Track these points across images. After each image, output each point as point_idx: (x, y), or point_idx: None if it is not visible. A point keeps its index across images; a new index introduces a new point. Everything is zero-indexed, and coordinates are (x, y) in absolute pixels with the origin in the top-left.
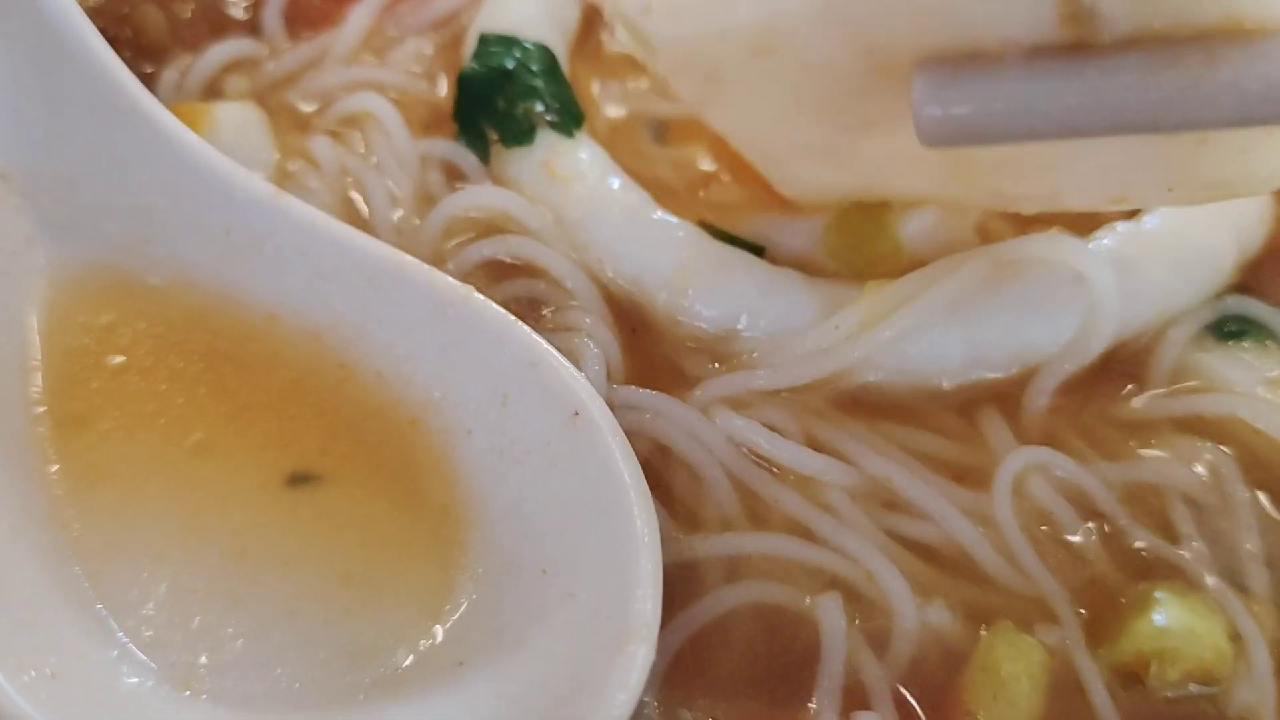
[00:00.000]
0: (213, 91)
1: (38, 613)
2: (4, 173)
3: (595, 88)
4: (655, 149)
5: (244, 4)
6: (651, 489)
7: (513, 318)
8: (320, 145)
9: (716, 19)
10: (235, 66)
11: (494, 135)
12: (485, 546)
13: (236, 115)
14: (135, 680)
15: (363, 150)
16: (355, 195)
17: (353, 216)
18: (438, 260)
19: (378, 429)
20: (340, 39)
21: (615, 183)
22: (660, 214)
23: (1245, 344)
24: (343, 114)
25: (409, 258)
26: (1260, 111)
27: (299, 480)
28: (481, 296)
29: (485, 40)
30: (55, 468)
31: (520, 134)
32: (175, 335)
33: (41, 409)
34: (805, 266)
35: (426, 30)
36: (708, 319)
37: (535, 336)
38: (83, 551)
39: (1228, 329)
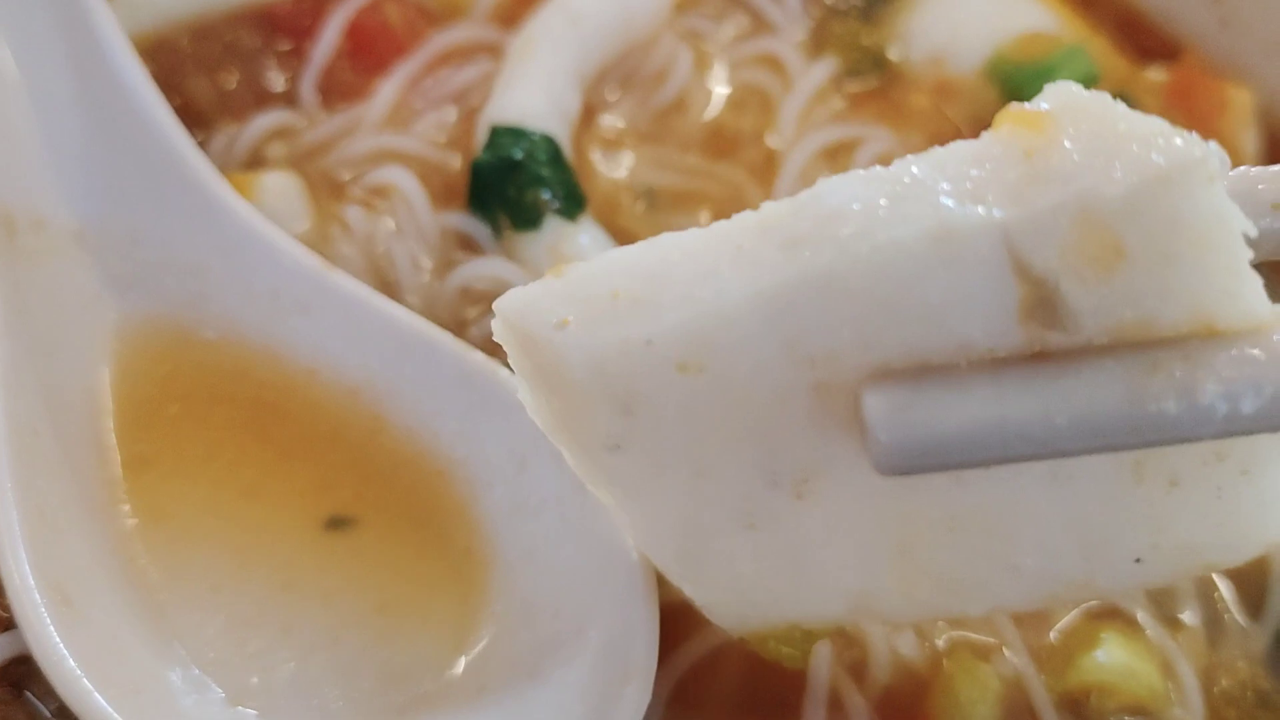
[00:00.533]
0: (256, 158)
1: (116, 634)
2: (79, 233)
3: (596, 155)
4: (647, 214)
5: (282, 76)
6: None
7: None
8: (353, 214)
9: (640, 326)
10: (275, 134)
11: (505, 220)
12: (504, 588)
13: (278, 183)
14: (198, 697)
15: (389, 219)
16: (383, 258)
17: (381, 277)
18: (461, 325)
19: (407, 478)
20: (370, 110)
21: None
22: None
23: None
24: (372, 185)
25: (440, 331)
26: (1255, 424)
27: (337, 523)
28: (505, 370)
29: (496, 132)
30: (124, 506)
31: (529, 220)
32: (226, 386)
33: (111, 451)
34: None
35: (446, 103)
36: None
37: None
38: (148, 580)
39: None
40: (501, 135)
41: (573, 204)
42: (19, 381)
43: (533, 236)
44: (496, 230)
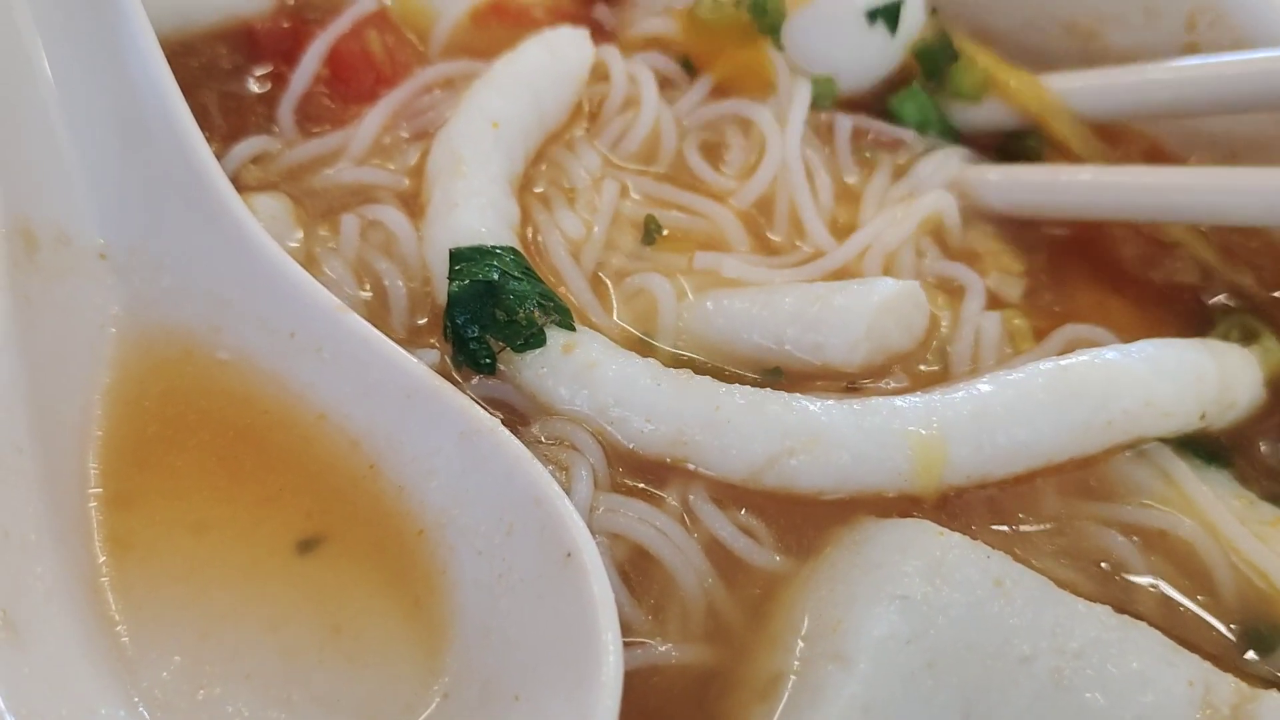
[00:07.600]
0: (236, 181)
1: (62, 667)
2: (105, 251)
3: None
4: (645, 252)
5: (259, 99)
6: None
7: (528, 453)
8: (347, 225)
9: None
10: (254, 158)
11: (497, 345)
12: (465, 662)
13: (268, 206)
14: None
15: (378, 248)
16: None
17: (369, 302)
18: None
19: (384, 533)
20: (356, 138)
21: (628, 357)
22: (676, 372)
23: None
24: (365, 219)
25: (446, 384)
26: None
27: (307, 547)
28: (505, 430)
29: (458, 256)
30: (100, 534)
31: (530, 337)
32: (223, 409)
33: (93, 475)
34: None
35: (435, 134)
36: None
37: (544, 474)
38: (112, 614)
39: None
40: (464, 258)
41: (564, 314)
42: (11, 397)
43: (538, 354)
44: (490, 365)
